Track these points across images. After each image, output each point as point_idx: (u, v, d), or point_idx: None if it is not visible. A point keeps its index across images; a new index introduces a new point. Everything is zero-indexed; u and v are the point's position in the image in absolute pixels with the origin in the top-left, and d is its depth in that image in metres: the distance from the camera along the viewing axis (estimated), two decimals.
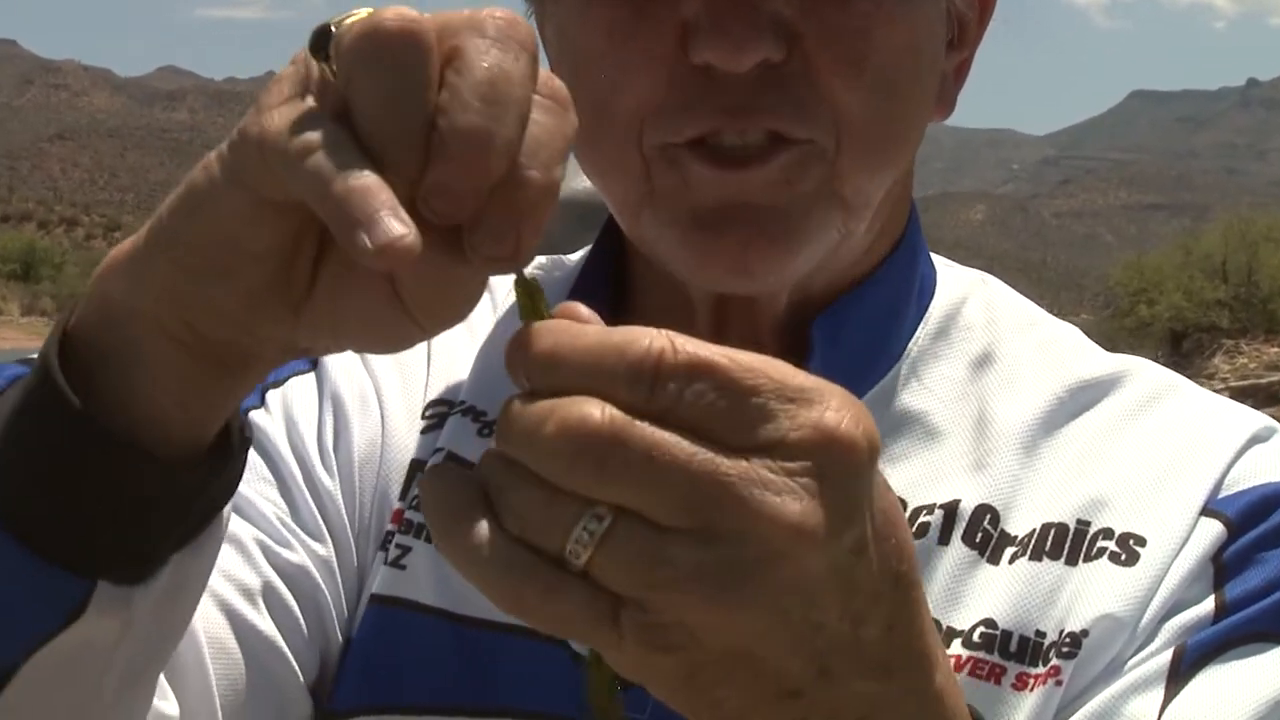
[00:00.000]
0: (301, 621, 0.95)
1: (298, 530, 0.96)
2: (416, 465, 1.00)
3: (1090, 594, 0.90)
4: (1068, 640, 0.89)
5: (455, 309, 0.62)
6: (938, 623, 0.89)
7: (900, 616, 0.61)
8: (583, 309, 0.59)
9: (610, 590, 0.56)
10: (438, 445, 1.01)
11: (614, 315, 1.00)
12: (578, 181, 1.60)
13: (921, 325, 1.02)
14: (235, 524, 0.83)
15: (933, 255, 1.06)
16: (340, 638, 0.97)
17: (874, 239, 0.98)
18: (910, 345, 1.00)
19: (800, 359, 0.94)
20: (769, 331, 0.97)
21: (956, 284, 1.05)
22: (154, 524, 0.69)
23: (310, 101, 0.60)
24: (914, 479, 0.95)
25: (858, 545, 0.58)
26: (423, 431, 1.01)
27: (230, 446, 0.72)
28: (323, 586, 0.96)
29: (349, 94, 0.58)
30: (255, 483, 0.96)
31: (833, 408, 0.57)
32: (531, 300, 0.61)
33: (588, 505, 0.55)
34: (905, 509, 0.93)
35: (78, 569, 0.67)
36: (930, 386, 0.99)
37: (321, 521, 0.98)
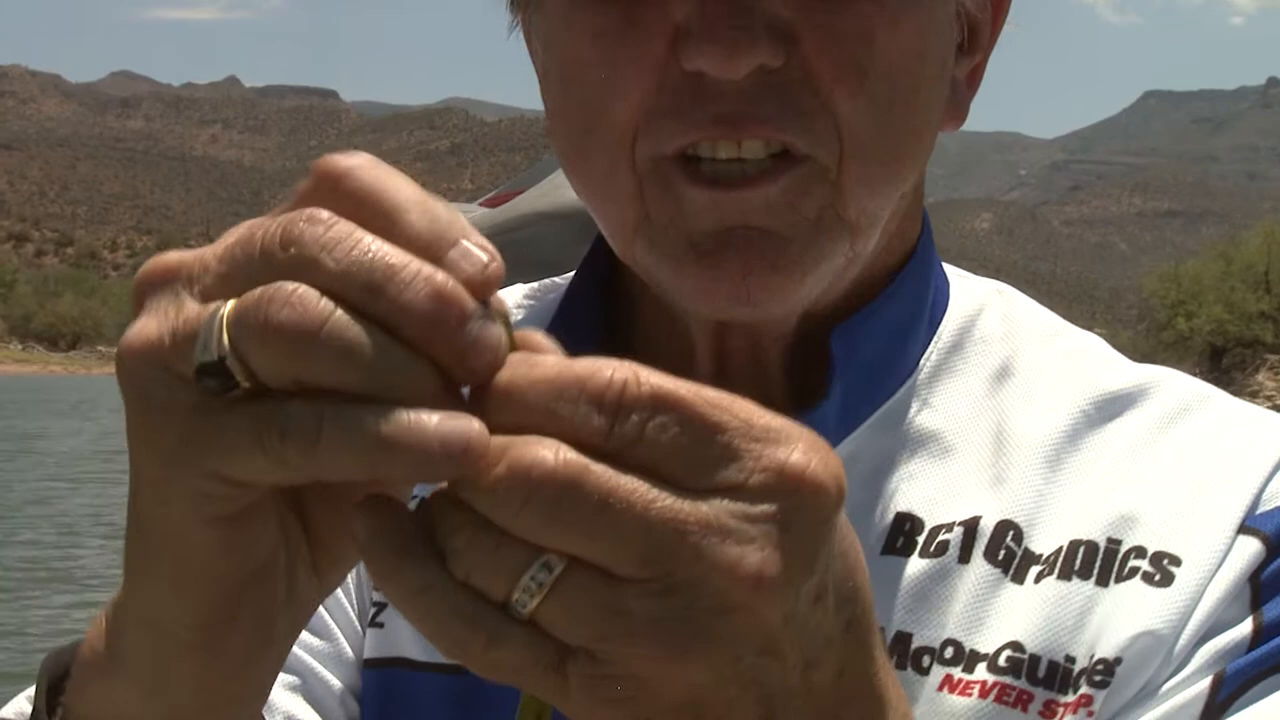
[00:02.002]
0: None
1: (304, 638, 0.98)
2: None
3: (1123, 617, 0.89)
4: (1100, 667, 0.88)
5: None
6: (959, 644, 0.90)
7: (852, 661, 0.62)
8: (541, 338, 0.59)
9: (557, 639, 0.56)
10: (414, 494, 0.97)
11: (607, 339, 1.02)
12: (573, 193, 1.52)
13: (935, 340, 1.02)
14: None
15: (946, 266, 1.07)
16: None
17: (884, 251, 0.98)
18: (923, 361, 1.01)
19: (809, 378, 0.96)
20: (774, 350, 0.98)
21: (971, 296, 1.06)
22: None
23: (234, 403, 0.57)
24: (929, 496, 0.96)
25: (817, 593, 0.59)
26: None
27: None
28: (339, 682, 0.98)
29: (307, 383, 0.56)
30: None
31: (800, 450, 0.57)
32: (505, 327, 0.59)
33: (537, 552, 0.55)
34: (922, 528, 0.94)
35: None
36: (943, 402, 1.00)
37: (324, 613, 0.99)
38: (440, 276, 0.56)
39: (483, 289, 0.57)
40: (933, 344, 1.02)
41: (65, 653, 0.75)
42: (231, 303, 0.57)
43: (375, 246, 0.56)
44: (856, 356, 0.97)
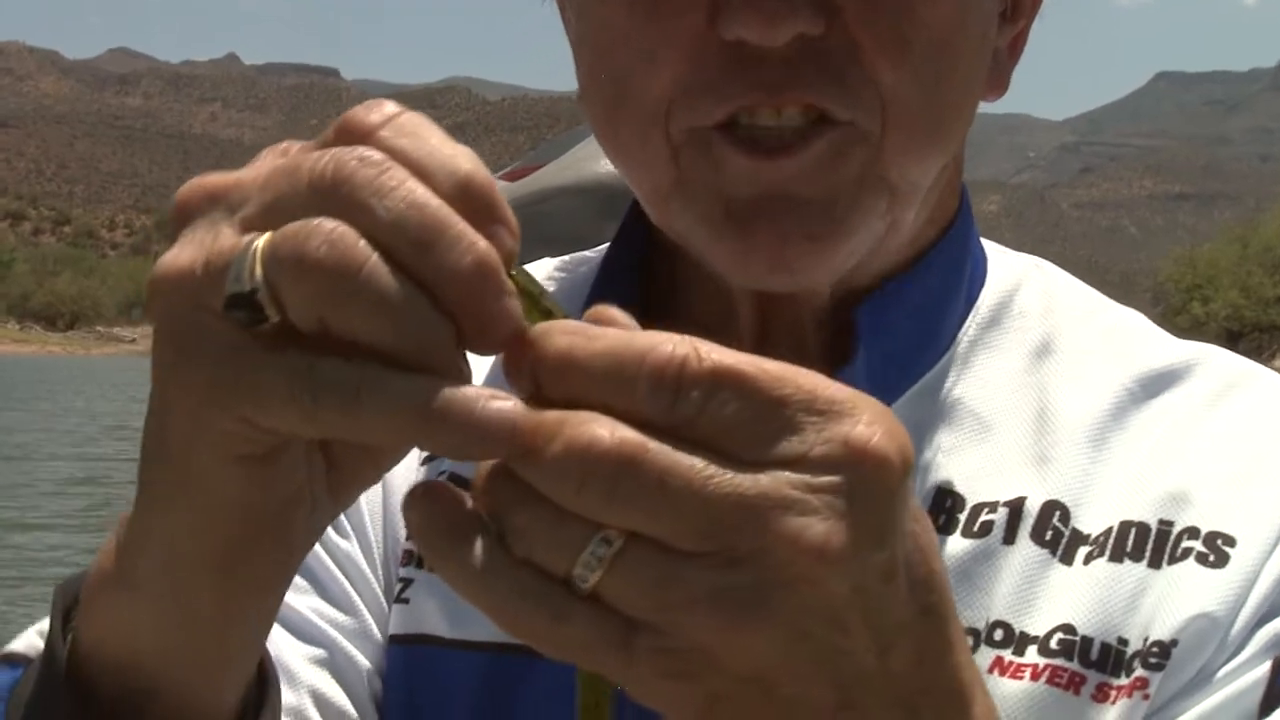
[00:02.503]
0: (353, 712, 0.98)
1: (329, 611, 0.99)
2: None
3: (1177, 599, 0.89)
4: (1155, 650, 0.88)
5: None
6: (1009, 626, 0.90)
7: (930, 650, 0.61)
8: (615, 311, 0.59)
9: (622, 613, 0.56)
10: (440, 469, 1.02)
11: (645, 312, 0.98)
12: (598, 165, 1.60)
13: (973, 314, 1.02)
14: (270, 637, 0.83)
15: (983, 241, 1.06)
16: None
17: (922, 225, 0.98)
18: (960, 335, 1.01)
19: (846, 348, 0.96)
20: (813, 321, 0.97)
21: (1009, 271, 1.05)
22: None
23: (269, 349, 0.57)
24: (970, 472, 0.95)
25: (886, 570, 0.58)
26: (423, 463, 1.03)
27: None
28: (365, 660, 0.99)
29: (333, 329, 0.56)
30: None
31: (864, 421, 0.57)
32: (532, 298, 0.60)
33: (597, 527, 0.55)
34: (964, 505, 0.94)
35: None
36: (983, 377, 0.99)
37: (349, 588, 1.00)
38: (484, 244, 0.56)
39: (509, 262, 0.58)
40: (970, 318, 1.01)
41: (75, 581, 0.75)
42: (269, 234, 0.56)
43: (428, 200, 0.56)
44: (888, 328, 0.97)
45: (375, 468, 0.67)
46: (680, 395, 0.55)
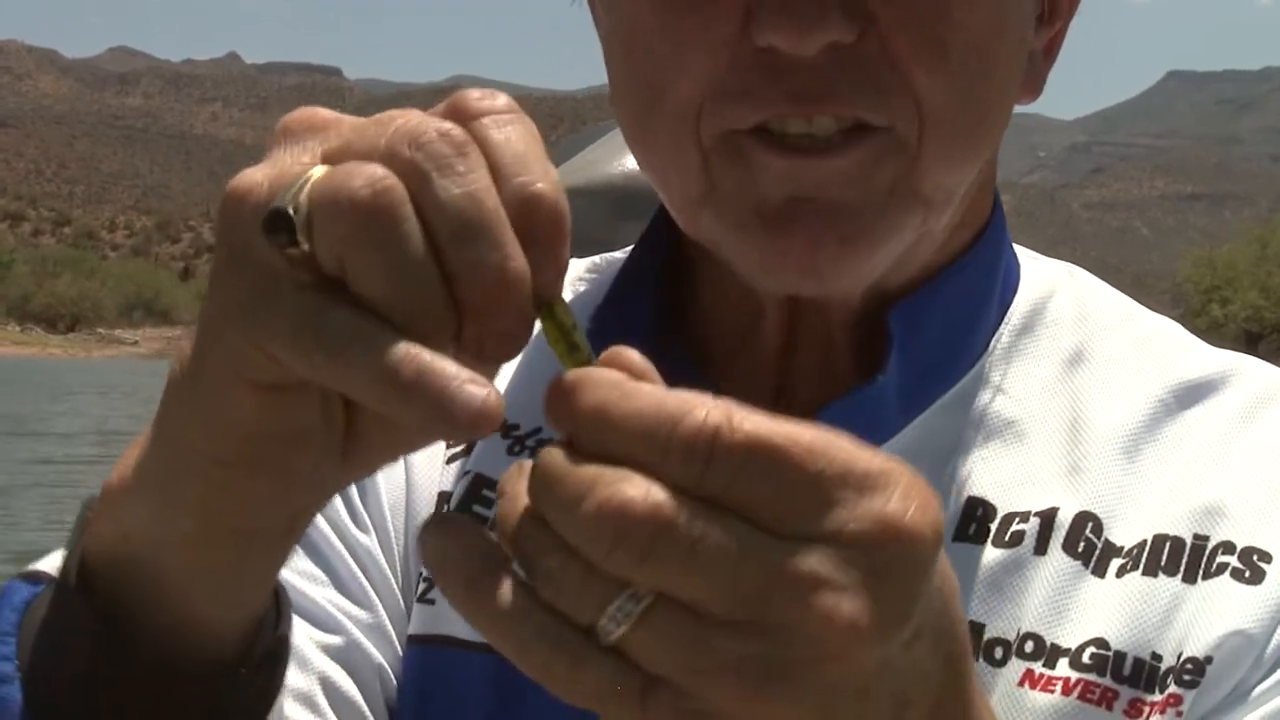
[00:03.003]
0: (364, 705, 0.97)
1: (345, 604, 0.98)
2: (444, 497, 1.02)
3: (1212, 614, 0.89)
4: (1189, 666, 0.88)
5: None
6: (1040, 638, 0.90)
7: (948, 696, 0.62)
8: (635, 358, 0.59)
9: (643, 668, 0.56)
10: (465, 469, 1.02)
11: (664, 317, 1.02)
12: (611, 166, 1.59)
13: (1005, 321, 1.02)
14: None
15: (1016, 246, 1.06)
16: None
17: (956, 228, 0.98)
18: (993, 342, 1.00)
19: (877, 353, 0.95)
20: (842, 327, 0.97)
21: (1042, 277, 1.05)
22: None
23: (296, 285, 0.58)
24: (1002, 481, 0.95)
25: (913, 635, 0.59)
26: (448, 460, 1.03)
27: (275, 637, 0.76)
28: (379, 656, 0.99)
29: (348, 276, 0.57)
30: (294, 562, 0.96)
31: (897, 497, 0.57)
32: (567, 337, 0.60)
33: (626, 584, 0.56)
34: (995, 514, 0.94)
35: None
36: (1016, 386, 0.99)
37: (366, 583, 1.00)
38: (519, 262, 0.57)
39: (546, 288, 0.59)
40: (1003, 325, 1.01)
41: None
42: (328, 168, 0.58)
43: (487, 196, 0.57)
44: (920, 334, 0.96)
45: (391, 446, 0.67)
46: (712, 465, 0.55)
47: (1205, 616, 0.89)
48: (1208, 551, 0.91)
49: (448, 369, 0.56)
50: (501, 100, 0.60)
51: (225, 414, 0.64)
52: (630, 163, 1.48)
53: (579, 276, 1.10)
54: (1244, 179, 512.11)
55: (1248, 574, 0.89)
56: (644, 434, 0.56)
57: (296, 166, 0.60)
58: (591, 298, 1.05)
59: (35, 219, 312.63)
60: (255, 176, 0.60)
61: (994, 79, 0.91)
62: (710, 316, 1.01)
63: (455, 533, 0.58)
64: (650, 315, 1.01)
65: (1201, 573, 0.90)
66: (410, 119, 0.59)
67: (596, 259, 1.12)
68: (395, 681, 0.99)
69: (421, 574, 1.00)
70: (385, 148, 0.58)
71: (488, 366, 0.58)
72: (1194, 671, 0.88)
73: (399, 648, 0.99)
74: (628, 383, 0.57)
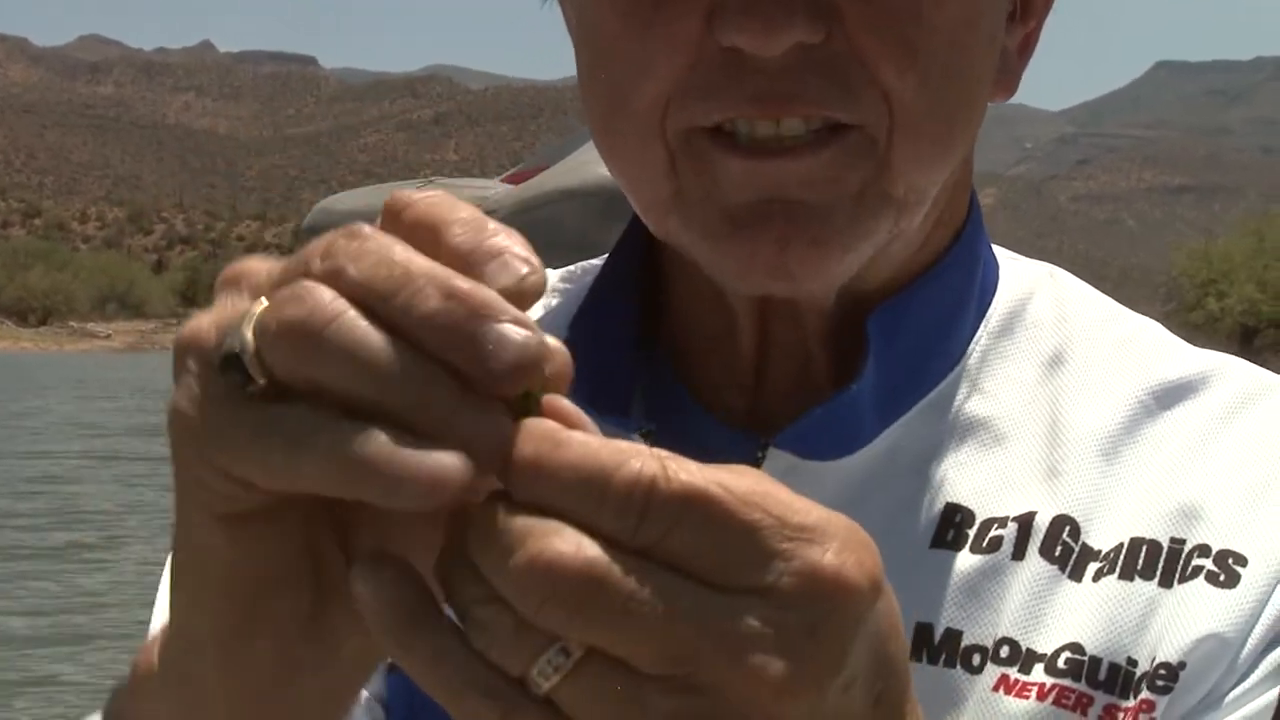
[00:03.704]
0: None
1: None
2: None
3: (1186, 619, 0.89)
4: (1162, 672, 0.88)
5: None
6: (1015, 644, 0.91)
7: None
8: (570, 409, 0.59)
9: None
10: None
11: (646, 321, 1.03)
12: (599, 169, 1.55)
13: (984, 323, 1.02)
14: None
15: (994, 247, 1.06)
16: None
17: (932, 228, 0.98)
18: (971, 345, 1.01)
19: (853, 357, 0.96)
20: (817, 331, 0.97)
21: (1021, 278, 1.05)
22: None
23: (250, 400, 0.58)
24: (980, 487, 0.96)
25: (845, 684, 0.59)
26: None
27: None
28: (364, 690, 0.97)
29: (320, 388, 0.57)
30: None
31: (833, 550, 0.57)
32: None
33: (558, 637, 0.56)
34: (974, 520, 0.95)
35: None
36: (995, 389, 1.00)
37: None
38: (458, 281, 0.56)
39: (517, 299, 0.57)
40: (981, 327, 1.02)
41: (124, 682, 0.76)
42: (266, 302, 0.59)
43: (401, 257, 0.57)
44: (898, 339, 0.97)
45: None
46: (647, 517, 0.56)
47: (1179, 621, 0.89)
48: (1184, 555, 0.91)
49: (400, 440, 0.55)
50: (434, 193, 0.61)
51: (208, 566, 0.64)
52: None
53: (553, 287, 1.10)
54: (1234, 171, 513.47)
55: (1223, 577, 0.90)
56: (578, 485, 0.56)
57: (238, 308, 0.61)
58: (568, 307, 1.06)
59: (4, 210, 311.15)
60: (200, 324, 0.61)
61: (965, 78, 0.92)
62: (685, 321, 1.02)
63: (388, 575, 0.58)
64: (628, 322, 1.02)
65: (1178, 576, 0.91)
66: (325, 238, 0.60)
67: (572, 267, 1.13)
68: (382, 709, 1.00)
69: None
70: (304, 270, 0.59)
71: (510, 380, 0.57)
72: (1167, 677, 0.88)
73: (383, 676, 1.00)
74: (562, 432, 0.57)
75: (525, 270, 0.58)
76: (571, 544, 0.55)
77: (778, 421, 0.96)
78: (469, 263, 0.58)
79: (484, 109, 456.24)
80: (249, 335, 0.58)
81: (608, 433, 0.92)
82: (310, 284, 0.57)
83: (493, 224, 0.60)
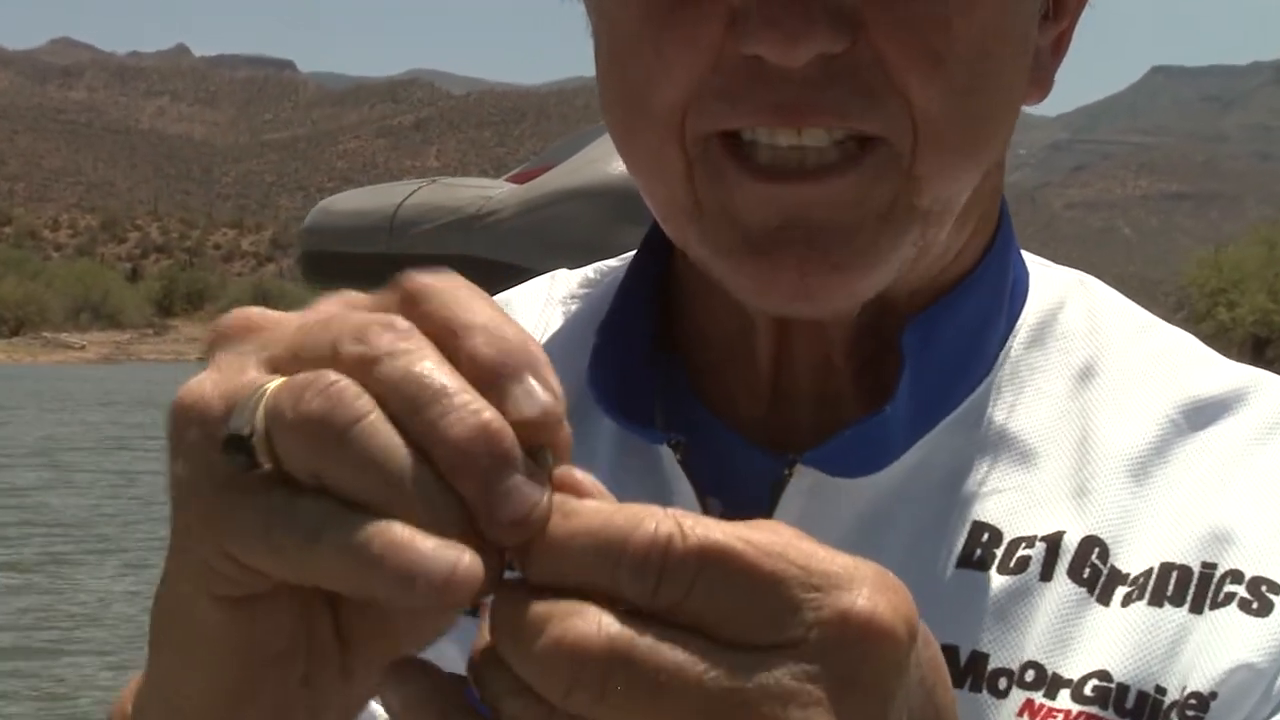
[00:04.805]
0: None
1: None
2: None
3: (1218, 647, 0.88)
4: (1193, 701, 0.87)
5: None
6: (1042, 668, 0.90)
7: None
8: (581, 478, 0.58)
9: None
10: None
11: (663, 335, 1.03)
12: (609, 166, 1.60)
13: (1014, 334, 1.01)
14: None
15: (1024, 254, 1.06)
16: None
17: (966, 238, 0.97)
18: (1001, 356, 1.00)
19: (878, 369, 0.96)
20: (841, 343, 0.97)
21: (1052, 286, 1.04)
22: None
23: (259, 486, 0.58)
24: (1010, 505, 0.95)
25: None
26: None
27: None
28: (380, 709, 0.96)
29: (325, 483, 0.57)
30: None
31: (864, 595, 0.56)
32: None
33: None
34: (1001, 539, 0.94)
35: None
36: (1024, 404, 0.98)
37: None
38: (489, 414, 0.56)
39: (538, 433, 0.57)
40: (1011, 338, 1.01)
41: None
42: (279, 380, 0.58)
43: (434, 367, 0.57)
44: (931, 353, 0.96)
45: (394, 651, 0.64)
46: (665, 578, 0.55)
47: (1211, 649, 0.88)
48: (1215, 581, 0.90)
49: (415, 538, 0.55)
50: (439, 277, 0.60)
51: (201, 643, 0.63)
52: None
53: (571, 294, 1.11)
54: (1231, 178, 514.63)
55: (1256, 605, 0.89)
56: (594, 553, 0.56)
57: (244, 379, 0.60)
58: (590, 313, 1.06)
59: None
60: (203, 389, 0.60)
61: (995, 84, 0.90)
62: (701, 328, 1.02)
63: (416, 675, 0.58)
64: (650, 330, 1.03)
65: (1209, 603, 0.90)
66: (355, 316, 0.59)
67: (590, 272, 1.12)
68: None
69: None
70: (330, 350, 0.58)
71: (508, 532, 0.56)
72: (1198, 707, 0.87)
73: None
74: (570, 502, 0.57)
75: (548, 401, 0.57)
76: (592, 624, 0.54)
77: (797, 433, 0.96)
78: (490, 378, 0.57)
79: (466, 114, 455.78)
80: (260, 419, 0.57)
81: (634, 444, 0.94)
82: (334, 376, 0.56)
83: (512, 328, 0.59)
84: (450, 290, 0.59)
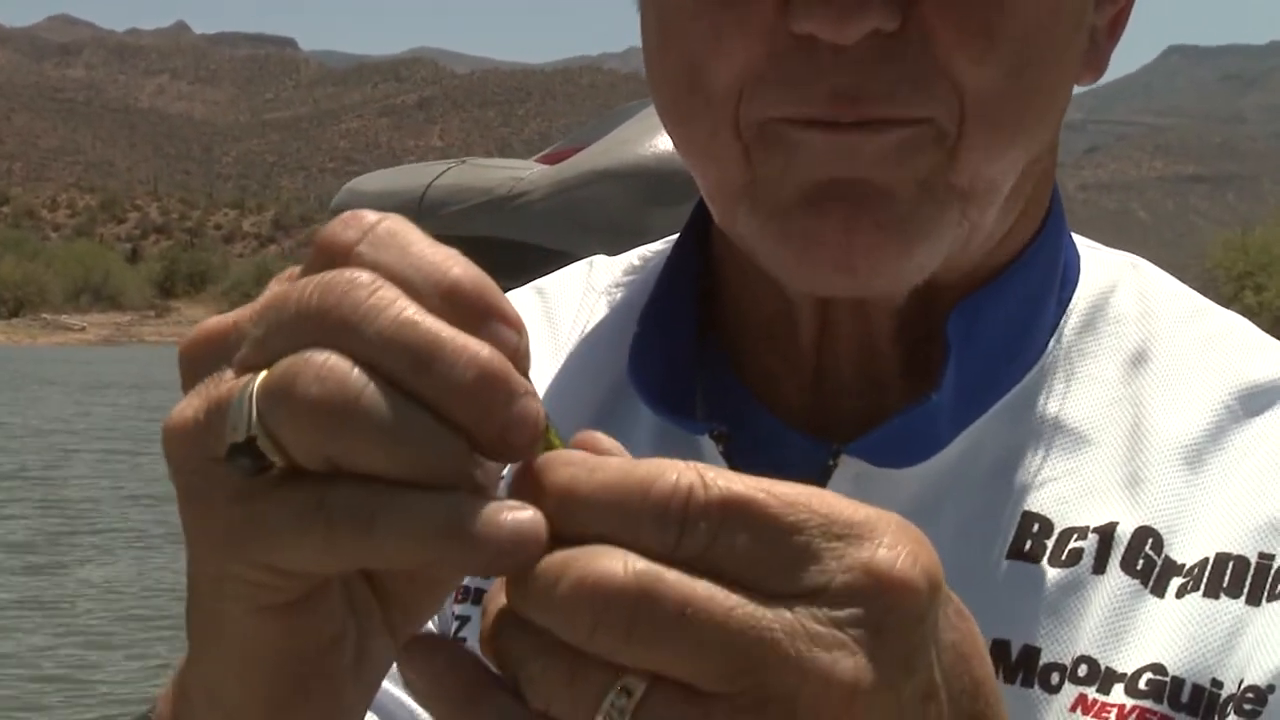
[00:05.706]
0: None
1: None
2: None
3: (1276, 639, 0.87)
4: (1250, 695, 0.86)
5: None
6: (1095, 662, 0.90)
7: None
8: (601, 438, 0.60)
9: None
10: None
11: (705, 322, 1.04)
12: (641, 147, 1.59)
13: (1065, 318, 1.01)
14: None
15: (1075, 236, 1.05)
16: None
17: (1015, 221, 0.97)
18: (1052, 341, 0.99)
19: (925, 355, 0.96)
20: (886, 328, 0.97)
21: (1103, 269, 1.04)
22: None
23: (276, 491, 0.57)
24: (1062, 495, 0.94)
25: (925, 692, 0.58)
26: None
27: None
28: (411, 702, 0.99)
29: (341, 465, 0.57)
30: None
31: (886, 545, 0.57)
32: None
33: (617, 674, 0.55)
34: (1052, 530, 0.93)
35: None
36: (1076, 390, 0.98)
37: None
38: (486, 352, 0.56)
39: (518, 363, 0.58)
40: (1063, 323, 1.00)
41: None
42: (263, 374, 0.57)
43: (420, 317, 0.56)
44: (978, 338, 0.96)
45: (432, 596, 0.67)
46: (687, 528, 0.55)
47: (1268, 641, 0.87)
48: (1273, 571, 0.90)
49: (490, 507, 0.56)
50: (366, 217, 0.60)
51: (252, 650, 0.64)
52: (664, 144, 1.56)
53: (615, 282, 1.12)
54: (1249, 159, 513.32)
55: None
56: (615, 505, 0.56)
57: (225, 387, 0.59)
58: (633, 300, 1.07)
59: None
60: (186, 413, 0.60)
61: (1045, 66, 0.90)
62: (741, 313, 1.03)
63: (435, 652, 0.58)
64: (692, 318, 1.04)
65: (1266, 594, 0.89)
66: (304, 286, 0.58)
67: (634, 258, 1.12)
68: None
69: (454, 612, 1.02)
70: (300, 323, 0.57)
71: (521, 459, 0.58)
72: (1255, 700, 0.86)
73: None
74: (593, 458, 0.58)
75: (517, 335, 0.58)
76: (619, 559, 0.55)
77: (840, 419, 0.97)
78: (462, 321, 0.57)
79: (470, 93, 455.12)
80: (255, 419, 0.57)
81: (676, 436, 0.94)
82: (322, 355, 0.56)
83: (465, 264, 0.59)
84: (384, 234, 0.59)
